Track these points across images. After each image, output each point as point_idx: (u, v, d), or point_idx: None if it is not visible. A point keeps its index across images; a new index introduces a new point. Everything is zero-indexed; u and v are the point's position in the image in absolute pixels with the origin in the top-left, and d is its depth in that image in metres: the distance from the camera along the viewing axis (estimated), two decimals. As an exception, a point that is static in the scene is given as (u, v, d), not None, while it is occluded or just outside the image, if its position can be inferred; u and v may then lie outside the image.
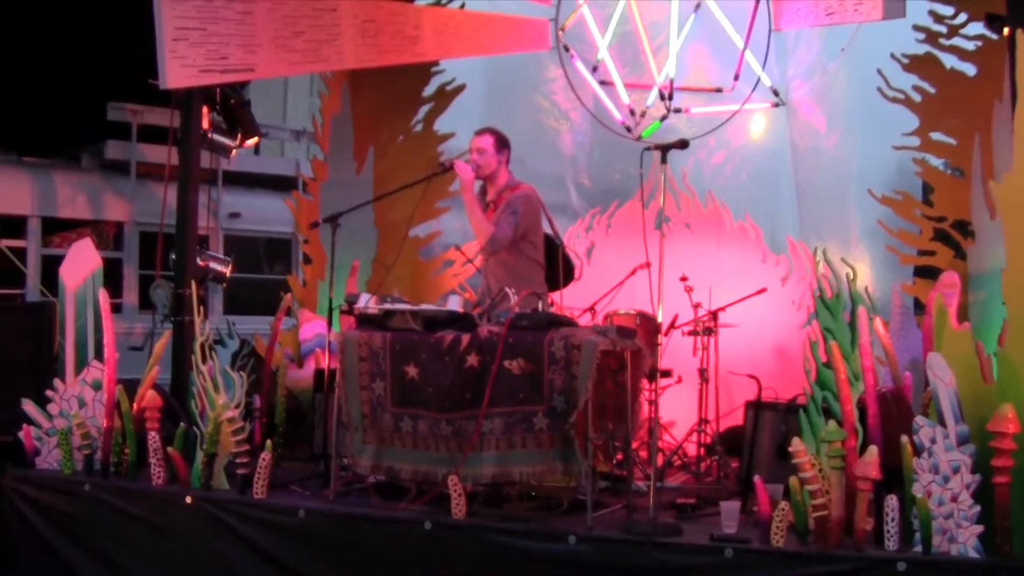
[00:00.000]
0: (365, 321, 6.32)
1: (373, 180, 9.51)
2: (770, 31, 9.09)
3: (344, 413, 6.23)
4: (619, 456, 6.80)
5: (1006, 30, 7.03)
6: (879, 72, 8.18)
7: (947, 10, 7.98)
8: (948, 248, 7.93)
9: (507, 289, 6.23)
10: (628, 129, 9.59)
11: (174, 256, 8.19)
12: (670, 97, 9.29)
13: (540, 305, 6.14)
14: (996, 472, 4.81)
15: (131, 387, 6.93)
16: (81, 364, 7.14)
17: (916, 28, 8.02)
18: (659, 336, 6.01)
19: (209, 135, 8.75)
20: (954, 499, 4.88)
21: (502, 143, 6.97)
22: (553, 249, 7.07)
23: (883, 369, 6.38)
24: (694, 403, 7.88)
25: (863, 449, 5.21)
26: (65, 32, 15.89)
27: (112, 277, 11.95)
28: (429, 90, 9.76)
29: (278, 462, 6.76)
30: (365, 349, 6.15)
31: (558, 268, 6.92)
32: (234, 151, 9.35)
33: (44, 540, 6.64)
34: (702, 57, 9.71)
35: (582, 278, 8.02)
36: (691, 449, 7.89)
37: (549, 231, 7.17)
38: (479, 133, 6.99)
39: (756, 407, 6.63)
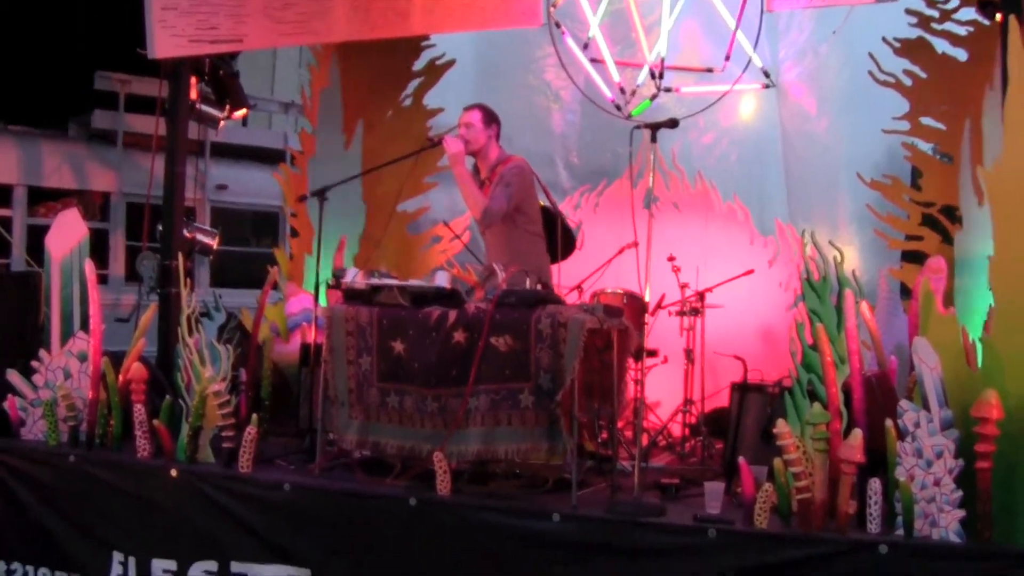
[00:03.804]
0: (352, 296, 6.31)
1: (362, 154, 9.46)
2: (762, 12, 9.05)
3: (331, 388, 6.23)
4: (604, 435, 6.82)
5: (998, 16, 7.02)
6: (870, 56, 8.17)
7: (940, -6, 7.98)
8: (936, 233, 7.94)
9: (495, 265, 6.23)
10: (618, 107, 9.56)
11: (161, 228, 8.16)
12: (661, 76, 9.25)
13: (528, 281, 6.13)
14: (979, 457, 4.83)
15: (117, 359, 6.93)
16: (67, 335, 7.12)
17: (908, 12, 8.02)
18: (646, 316, 6.03)
19: (197, 106, 8.71)
20: (937, 483, 4.90)
21: (490, 118, 6.96)
22: (551, 220, 7.03)
23: (869, 353, 6.39)
24: (680, 383, 7.90)
25: (847, 432, 5.23)
26: (54, 1, 15.78)
27: (98, 248, 11.92)
28: (419, 64, 9.72)
29: (264, 436, 6.76)
30: (352, 324, 6.15)
31: (557, 239, 6.87)
32: (222, 123, 9.32)
33: (28, 511, 6.62)
34: (694, 36, 9.69)
35: (570, 256, 8.01)
36: (676, 430, 7.92)
37: (546, 203, 7.15)
38: (467, 108, 6.99)
39: (741, 388, 6.64)
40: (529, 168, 6.96)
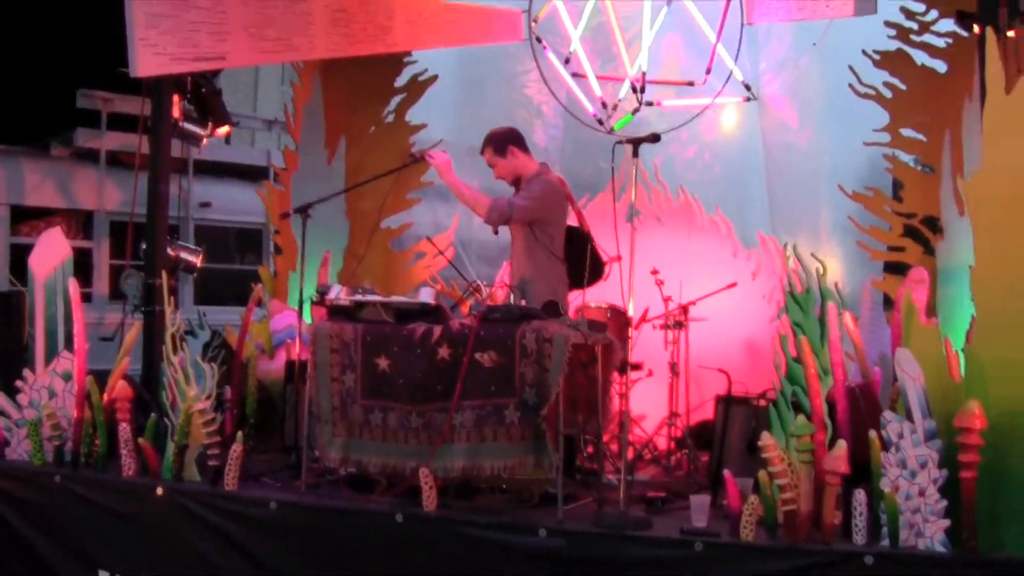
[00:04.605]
0: (337, 312, 6.32)
1: (345, 170, 9.48)
2: (742, 25, 9.11)
3: (315, 405, 6.23)
4: (590, 449, 6.82)
5: (976, 27, 7.09)
6: (850, 68, 8.21)
7: (918, 7, 8.02)
8: (917, 244, 7.98)
9: (480, 281, 6.23)
10: (600, 122, 9.59)
11: (144, 246, 8.15)
12: (642, 90, 9.29)
13: (512, 297, 6.13)
14: (963, 467, 4.85)
15: (102, 378, 6.90)
16: (51, 354, 7.10)
17: (887, 24, 8.06)
18: (630, 330, 6.04)
19: (180, 124, 8.70)
20: (921, 493, 4.92)
21: (499, 143, 6.89)
22: (580, 245, 6.90)
23: (852, 364, 6.42)
24: (664, 397, 7.91)
25: (832, 443, 5.24)
26: (35, 20, 15.77)
27: (82, 266, 11.87)
28: (401, 80, 9.73)
29: (249, 453, 6.75)
30: (336, 340, 6.15)
31: (583, 265, 6.70)
32: (205, 140, 9.31)
33: (14, 531, 6.62)
34: (675, 50, 9.72)
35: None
36: (661, 443, 7.92)
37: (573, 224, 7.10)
38: (481, 153, 6.95)
39: (726, 401, 6.66)
40: (559, 186, 6.88)
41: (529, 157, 6.96)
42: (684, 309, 7.93)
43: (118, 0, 7.05)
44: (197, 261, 8.92)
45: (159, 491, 6.26)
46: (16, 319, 7.35)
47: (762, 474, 5.25)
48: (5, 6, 15.34)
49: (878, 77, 8.18)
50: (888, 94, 8.15)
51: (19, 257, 10.25)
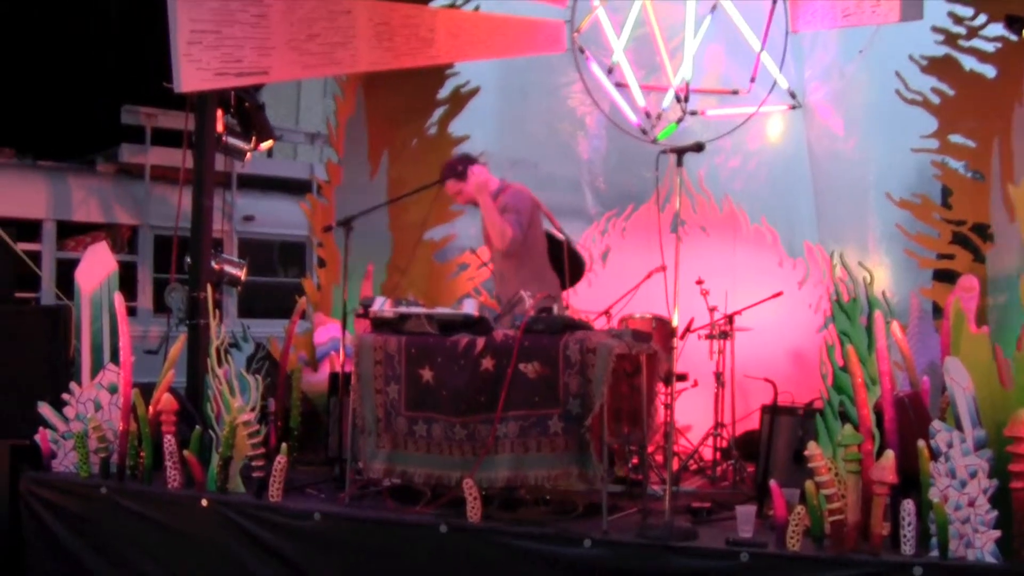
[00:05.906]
0: (380, 324, 6.31)
1: (388, 183, 9.50)
2: (787, 33, 9.05)
3: (358, 417, 6.23)
4: (635, 460, 6.78)
5: (1025, 32, 7.01)
6: (897, 74, 8.13)
7: (966, 11, 7.92)
8: (967, 252, 7.87)
9: (522, 292, 6.22)
10: (644, 132, 9.56)
11: (189, 259, 8.19)
12: (686, 99, 9.25)
13: (555, 307, 6.12)
14: (1013, 477, 4.79)
15: (147, 390, 6.93)
16: (97, 367, 7.15)
17: (935, 30, 7.97)
18: (675, 340, 5.99)
19: (223, 138, 8.74)
20: (971, 504, 4.85)
21: (456, 172, 7.03)
22: (558, 247, 7.03)
23: (900, 373, 6.35)
24: (710, 407, 7.86)
25: (880, 453, 5.18)
26: (80, 36, 15.92)
27: (127, 281, 11.93)
28: (443, 93, 9.75)
29: (293, 465, 6.77)
30: (380, 352, 6.15)
31: (564, 266, 6.86)
32: (248, 154, 9.35)
33: (60, 542, 6.65)
34: (718, 59, 9.68)
35: (597, 282, 7.99)
36: (707, 453, 7.87)
37: (552, 229, 7.15)
38: (442, 187, 7.12)
39: (772, 411, 6.60)
40: (529, 193, 7.01)
41: (487, 175, 7.09)
42: (730, 319, 7.88)
43: (162, 16, 7.10)
44: (241, 274, 8.95)
45: (204, 503, 6.28)
46: (63, 333, 7.39)
47: (809, 484, 5.20)
48: (51, 24, 15.51)
49: (925, 83, 8.08)
50: (936, 100, 8.05)
51: (65, 271, 10.32)
